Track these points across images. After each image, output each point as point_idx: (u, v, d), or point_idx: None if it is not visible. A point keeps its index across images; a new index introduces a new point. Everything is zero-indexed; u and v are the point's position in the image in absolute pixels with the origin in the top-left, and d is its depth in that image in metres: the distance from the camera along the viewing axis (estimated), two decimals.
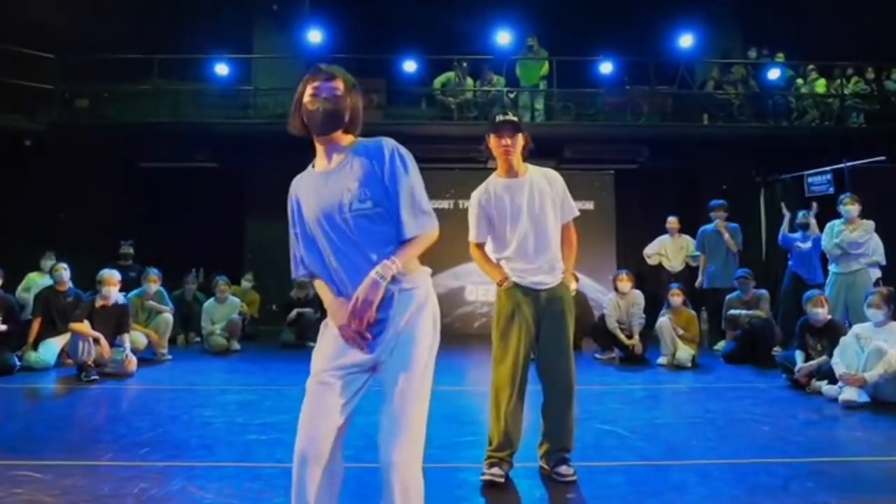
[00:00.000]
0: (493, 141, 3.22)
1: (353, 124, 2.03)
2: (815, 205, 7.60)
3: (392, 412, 1.90)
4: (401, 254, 1.93)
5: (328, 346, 1.99)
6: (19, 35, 9.04)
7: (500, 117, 3.22)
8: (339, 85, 1.98)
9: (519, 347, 3.16)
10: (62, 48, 9.50)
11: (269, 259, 9.77)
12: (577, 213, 3.34)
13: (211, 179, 10.30)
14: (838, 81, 10.61)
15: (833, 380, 4.92)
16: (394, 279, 1.92)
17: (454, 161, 9.54)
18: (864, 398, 4.62)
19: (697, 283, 7.88)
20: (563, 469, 3.14)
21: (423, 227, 1.96)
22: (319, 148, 2.04)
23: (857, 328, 4.99)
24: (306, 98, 1.98)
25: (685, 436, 4.07)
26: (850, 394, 4.65)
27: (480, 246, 3.33)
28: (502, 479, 3.09)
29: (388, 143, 1.99)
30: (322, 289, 2.06)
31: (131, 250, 8.33)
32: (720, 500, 2.94)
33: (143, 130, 9.79)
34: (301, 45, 10.38)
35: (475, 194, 3.32)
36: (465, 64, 10.06)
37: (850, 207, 6.48)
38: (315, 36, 10.26)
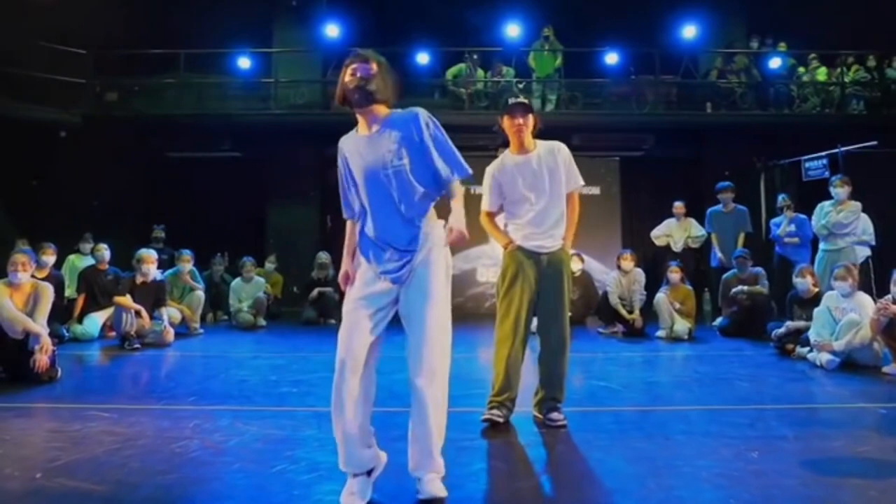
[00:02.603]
0: (506, 122, 3.61)
1: (387, 97, 2.46)
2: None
3: (417, 331, 2.37)
4: (454, 215, 2.40)
5: (360, 280, 2.47)
6: (55, 33, 9.59)
7: (511, 100, 3.63)
8: (373, 66, 2.43)
9: (521, 304, 3.56)
10: (94, 45, 10.05)
11: (289, 243, 10.31)
12: (582, 183, 3.69)
13: (234, 168, 10.81)
14: (839, 70, 10.90)
15: None
16: (419, 227, 2.42)
17: (465, 149, 9.68)
18: (836, 362, 5.04)
19: (717, 262, 8.19)
20: (553, 415, 3.54)
21: (455, 169, 2.44)
22: (361, 118, 2.48)
23: (826, 299, 5.40)
24: (347, 77, 2.42)
25: (672, 389, 4.53)
26: (823, 358, 5.08)
27: (490, 214, 3.75)
28: (501, 419, 3.52)
29: (422, 112, 2.46)
30: (351, 236, 2.58)
31: (163, 234, 8.91)
32: (693, 434, 3.39)
33: (170, 122, 10.33)
34: (319, 38, 10.86)
35: (490, 167, 3.72)
36: (475, 56, 10.49)
37: (840, 189, 6.85)
38: (332, 30, 10.73)
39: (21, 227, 9.41)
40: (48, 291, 4.69)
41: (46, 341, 4.52)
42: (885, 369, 4.92)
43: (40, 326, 4.55)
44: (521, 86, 10.59)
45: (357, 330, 2.38)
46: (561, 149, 3.66)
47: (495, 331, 3.66)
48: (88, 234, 8.21)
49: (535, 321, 3.69)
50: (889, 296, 4.90)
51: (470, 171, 2.47)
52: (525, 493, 2.63)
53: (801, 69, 11.02)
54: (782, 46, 11.04)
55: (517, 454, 3.14)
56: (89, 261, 7.73)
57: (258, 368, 5.33)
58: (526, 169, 3.60)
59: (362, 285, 2.45)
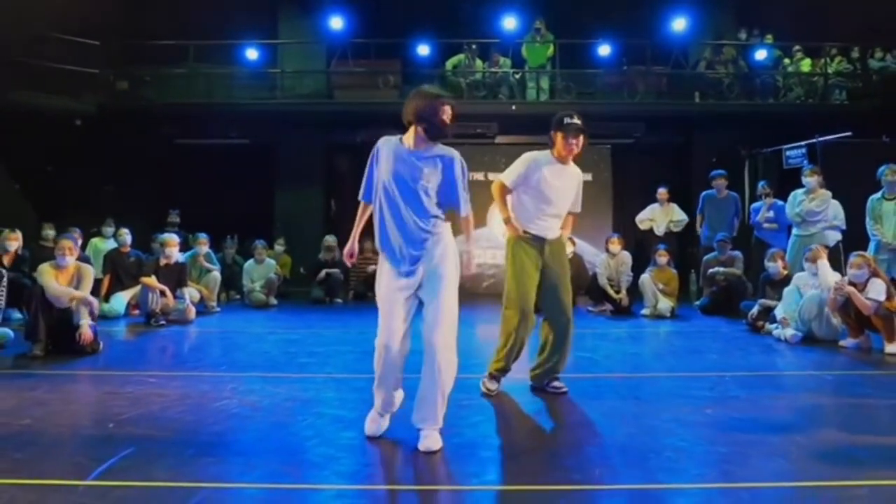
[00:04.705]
0: (560, 138, 3.90)
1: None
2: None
3: (433, 309, 2.94)
4: (467, 232, 3.20)
5: (387, 278, 3.02)
6: (70, 25, 9.99)
7: (568, 119, 3.87)
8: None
9: (529, 286, 3.92)
10: (107, 36, 10.47)
11: (295, 226, 10.80)
12: (580, 210, 4.15)
13: (242, 155, 11.28)
14: (823, 61, 11.34)
15: None
16: (430, 232, 2.99)
17: (464, 137, 10.40)
18: (799, 336, 5.60)
19: (706, 239, 8.68)
20: (556, 384, 4.01)
21: (467, 208, 3.09)
22: (415, 136, 3.00)
23: (796, 279, 5.94)
24: (445, 117, 2.98)
25: (648, 360, 5.11)
26: (787, 332, 5.64)
27: (506, 189, 4.01)
28: (494, 393, 3.99)
29: (457, 156, 3.04)
30: (361, 217, 3.22)
31: (178, 219, 9.42)
32: (660, 395, 3.95)
33: (180, 110, 10.76)
34: (323, 30, 11.26)
35: (531, 155, 4.00)
36: (474, 47, 10.91)
37: (810, 179, 7.34)
38: (336, 22, 11.11)
39: (39, 212, 9.88)
40: (90, 272, 5.22)
41: (94, 302, 5.07)
42: (842, 343, 5.48)
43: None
44: (517, 76, 11.05)
45: (393, 318, 2.97)
46: (581, 179, 4.09)
47: (507, 308, 3.95)
48: (110, 219, 8.72)
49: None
50: (846, 277, 5.44)
51: (470, 210, 3.13)
52: (513, 438, 3.19)
53: (787, 60, 11.47)
54: (769, 38, 11.47)
55: (508, 411, 3.70)
56: (111, 244, 8.26)
57: (277, 342, 5.88)
58: (558, 178, 3.94)
59: (389, 283, 3.01)
